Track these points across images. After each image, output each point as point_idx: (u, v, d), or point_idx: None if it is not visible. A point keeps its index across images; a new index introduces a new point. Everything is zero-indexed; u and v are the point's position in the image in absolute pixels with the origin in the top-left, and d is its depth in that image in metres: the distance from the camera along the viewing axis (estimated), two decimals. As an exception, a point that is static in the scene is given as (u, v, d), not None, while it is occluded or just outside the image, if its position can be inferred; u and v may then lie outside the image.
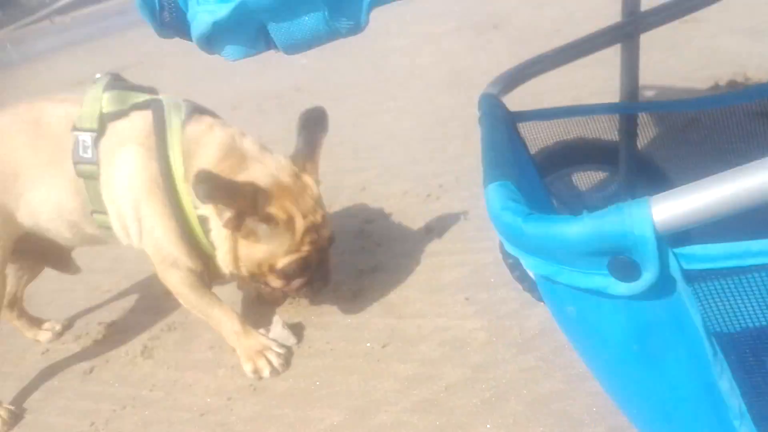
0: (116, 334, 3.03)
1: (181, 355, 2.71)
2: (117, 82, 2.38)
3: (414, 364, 2.26)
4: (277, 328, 2.54)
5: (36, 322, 3.10)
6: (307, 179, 2.34)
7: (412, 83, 5.85)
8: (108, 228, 2.38)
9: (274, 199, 2.18)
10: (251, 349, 2.45)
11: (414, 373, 2.23)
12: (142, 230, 2.29)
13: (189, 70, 10.25)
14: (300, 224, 2.23)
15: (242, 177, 2.18)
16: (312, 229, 2.27)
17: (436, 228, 3.12)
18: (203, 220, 2.24)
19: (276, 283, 2.38)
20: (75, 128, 2.27)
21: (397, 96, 5.61)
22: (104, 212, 2.33)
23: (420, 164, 3.96)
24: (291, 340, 2.52)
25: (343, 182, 4.05)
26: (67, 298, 3.52)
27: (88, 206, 2.34)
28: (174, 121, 2.24)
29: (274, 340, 2.51)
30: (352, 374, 2.30)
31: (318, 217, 2.30)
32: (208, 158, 2.20)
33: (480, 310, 2.44)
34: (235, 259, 2.30)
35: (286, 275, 2.34)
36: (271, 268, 2.31)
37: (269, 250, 2.25)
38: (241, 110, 6.72)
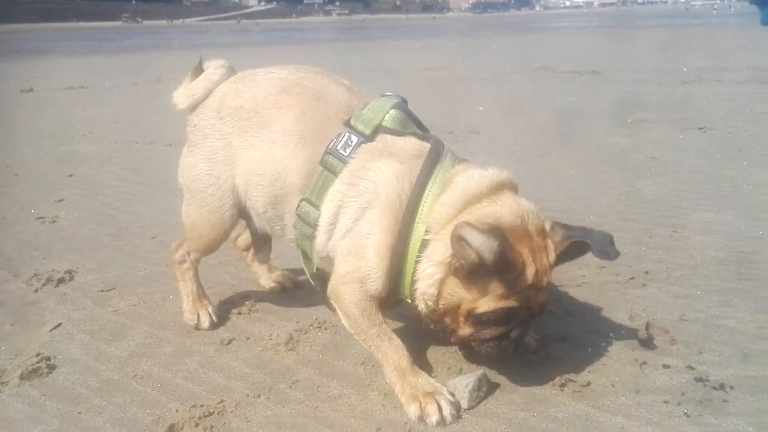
0: (262, 313, 2.77)
1: (329, 361, 2.37)
2: (405, 106, 2.32)
3: (618, 473, 1.77)
4: (460, 382, 2.12)
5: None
6: (551, 243, 2.04)
7: (607, 165, 5.41)
8: (304, 221, 2.23)
9: (515, 241, 1.92)
10: (420, 388, 2.06)
11: (618, 484, 1.73)
12: (353, 232, 2.12)
13: (363, 91, 10.46)
14: (528, 275, 1.94)
15: (486, 212, 1.98)
16: (533, 286, 1.97)
17: (643, 317, 2.61)
18: (424, 244, 2.04)
19: (466, 329, 2.06)
20: (348, 124, 2.21)
21: (588, 164, 5.18)
22: (314, 204, 2.20)
23: (619, 242, 3.46)
24: (466, 402, 2.08)
25: (525, 234, 3.65)
26: (215, 260, 3.34)
27: (304, 191, 2.24)
28: (447, 161, 2.15)
29: (446, 387, 2.11)
30: (535, 456, 1.85)
31: (544, 281, 1.99)
32: (456, 199, 2.04)
33: (708, 435, 1.91)
34: (438, 294, 2.04)
35: (481, 322, 2.01)
36: (470, 312, 2.01)
37: (479, 291, 1.96)
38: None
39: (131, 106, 9.62)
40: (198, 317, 2.63)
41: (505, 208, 1.99)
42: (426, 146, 2.17)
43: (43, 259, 3.44)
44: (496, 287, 1.94)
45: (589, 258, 3.19)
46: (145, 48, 23.50)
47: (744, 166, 4.92)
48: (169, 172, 5.29)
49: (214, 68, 2.52)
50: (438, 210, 2.03)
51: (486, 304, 1.97)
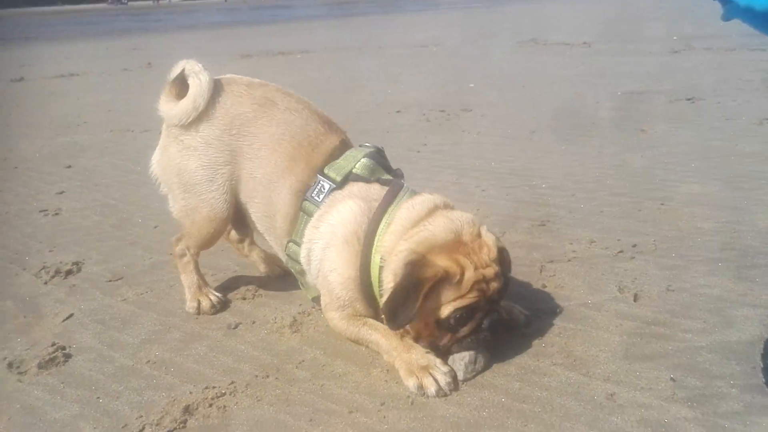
0: (265, 297, 2.88)
1: (332, 341, 2.49)
2: (377, 155, 2.55)
3: (606, 436, 1.90)
4: (457, 356, 2.24)
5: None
6: (488, 239, 2.26)
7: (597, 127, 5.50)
8: (293, 259, 2.53)
9: (449, 252, 2.17)
10: (414, 364, 2.21)
11: (607, 447, 1.86)
12: (321, 271, 2.40)
13: (355, 70, 10.45)
14: (470, 275, 2.14)
15: (420, 237, 2.21)
16: (482, 280, 2.17)
17: (631, 289, 2.73)
18: (381, 272, 2.28)
19: (443, 339, 2.23)
20: (322, 173, 2.45)
21: (579, 139, 5.27)
22: (299, 244, 2.47)
23: (608, 216, 3.59)
24: (462, 374, 2.22)
25: (519, 212, 3.76)
26: (216, 247, 3.44)
27: (290, 233, 2.50)
28: (403, 199, 2.38)
29: (439, 358, 2.24)
30: (528, 423, 1.97)
31: (490, 272, 2.19)
32: (396, 223, 2.29)
33: (691, 398, 2.04)
34: None
35: (451, 326, 2.18)
36: (437, 321, 2.19)
37: (435, 301, 2.15)
38: (407, 115, 6.64)
39: (123, 93, 9.60)
40: (198, 304, 2.75)
41: (438, 228, 2.23)
42: (384, 191, 2.40)
43: (50, 251, 3.53)
44: (447, 294, 2.14)
45: (579, 233, 3.36)
46: (133, 31, 23.23)
47: (731, 136, 5.02)
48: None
49: (195, 74, 2.51)
50: (386, 239, 2.28)
51: (446, 309, 2.15)
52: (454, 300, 2.14)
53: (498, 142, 5.45)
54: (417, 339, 2.28)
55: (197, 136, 2.53)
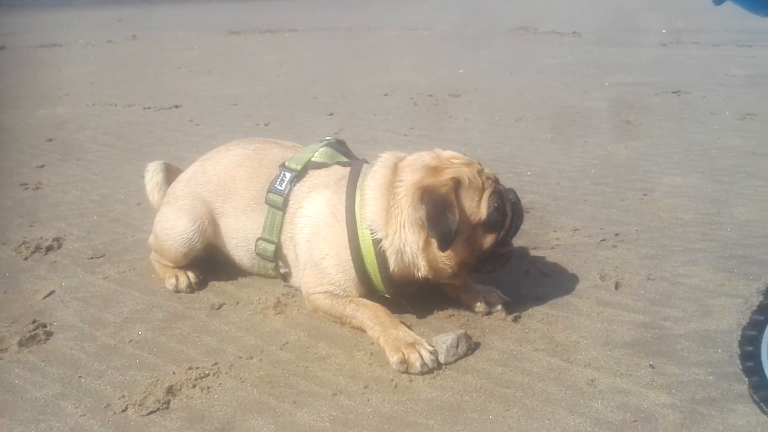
0: (249, 278, 2.86)
1: (316, 323, 2.49)
2: (337, 145, 2.70)
3: (586, 420, 1.93)
4: (439, 339, 2.27)
5: None
6: (447, 153, 2.47)
7: (580, 119, 5.53)
8: (264, 257, 2.64)
9: (437, 175, 2.33)
10: (400, 340, 2.23)
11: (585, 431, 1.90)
12: (309, 261, 2.48)
13: (344, 50, 10.34)
14: (471, 172, 2.33)
15: (405, 183, 2.36)
16: (481, 171, 2.37)
17: (612, 277, 2.77)
18: (376, 243, 2.35)
19: (490, 238, 2.34)
20: (282, 165, 2.59)
21: (565, 128, 5.30)
22: (270, 241, 2.58)
23: (591, 205, 3.62)
24: (443, 357, 2.23)
25: (503, 199, 3.77)
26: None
27: (258, 232, 2.60)
28: (367, 173, 2.47)
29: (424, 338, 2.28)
30: (510, 407, 2.00)
31: (477, 165, 2.39)
32: (368, 192, 2.39)
33: (669, 384, 2.08)
34: (434, 261, 2.34)
35: (493, 221, 2.32)
36: (478, 224, 2.30)
37: (467, 211, 2.28)
38: (394, 98, 6.61)
39: (107, 65, 9.43)
40: (176, 279, 2.76)
41: (412, 174, 2.37)
42: (347, 170, 2.52)
43: (30, 226, 3.47)
44: (472, 197, 2.31)
45: (563, 221, 3.39)
46: (119, 1, 22.80)
47: (714, 130, 5.07)
48: (149, 136, 5.31)
49: (150, 173, 3.01)
50: (369, 211, 2.36)
51: (482, 207, 2.31)
52: (480, 197, 2.30)
53: (484, 128, 5.46)
54: (462, 266, 2.37)
55: (168, 194, 2.88)
